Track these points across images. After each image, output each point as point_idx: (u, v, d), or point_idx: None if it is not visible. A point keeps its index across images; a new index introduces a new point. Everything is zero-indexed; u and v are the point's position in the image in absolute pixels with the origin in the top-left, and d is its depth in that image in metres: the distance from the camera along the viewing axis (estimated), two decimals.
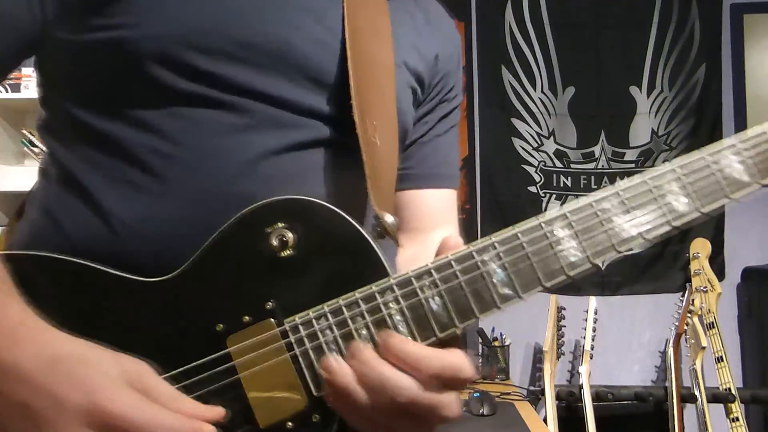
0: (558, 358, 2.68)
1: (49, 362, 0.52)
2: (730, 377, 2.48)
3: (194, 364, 0.59)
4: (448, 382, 0.57)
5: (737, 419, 2.45)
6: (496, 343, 2.67)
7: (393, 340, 0.57)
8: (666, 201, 0.62)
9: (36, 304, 0.56)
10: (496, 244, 0.61)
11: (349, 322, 0.60)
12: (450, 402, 0.58)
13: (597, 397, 2.53)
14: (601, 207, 0.62)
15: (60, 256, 0.62)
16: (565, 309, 2.73)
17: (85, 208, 0.66)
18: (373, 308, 0.60)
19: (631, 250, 0.63)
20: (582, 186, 3.00)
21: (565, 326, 2.72)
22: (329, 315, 0.60)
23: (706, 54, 3.02)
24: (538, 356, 2.95)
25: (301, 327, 0.60)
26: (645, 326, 2.97)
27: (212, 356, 0.60)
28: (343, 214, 0.62)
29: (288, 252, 0.61)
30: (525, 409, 2.10)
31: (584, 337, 2.61)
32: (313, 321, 0.60)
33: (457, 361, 0.57)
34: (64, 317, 0.56)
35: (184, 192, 0.65)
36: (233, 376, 0.59)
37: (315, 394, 0.59)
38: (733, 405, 2.46)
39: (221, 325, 0.60)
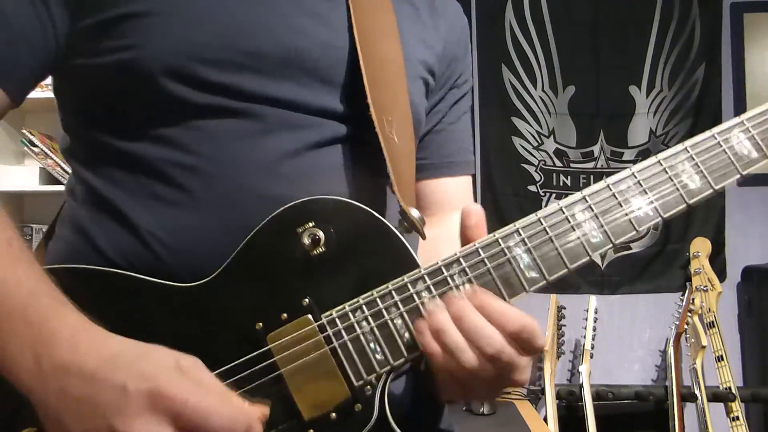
0: (558, 357, 2.68)
1: (110, 359, 0.55)
2: (730, 376, 2.48)
3: (237, 362, 0.62)
4: (525, 344, 0.60)
5: (737, 418, 2.45)
6: None
7: (483, 294, 0.61)
8: (680, 180, 0.65)
9: (85, 313, 0.58)
10: (520, 230, 0.63)
11: (384, 312, 0.62)
12: (524, 365, 0.61)
13: (597, 396, 2.53)
14: (618, 189, 0.65)
15: (101, 268, 0.65)
16: (565, 308, 2.72)
17: (116, 224, 0.69)
18: (407, 298, 0.62)
19: (650, 230, 0.65)
20: (581, 185, 3.00)
21: (565, 325, 2.72)
22: (364, 307, 0.63)
23: (706, 53, 3.02)
24: (538, 355, 2.95)
25: (338, 320, 0.63)
26: (645, 325, 2.97)
27: (254, 354, 0.62)
28: (370, 210, 0.65)
29: (320, 250, 0.63)
30: (525, 409, 2.10)
31: (584, 336, 2.61)
32: (349, 314, 0.63)
33: (534, 325, 0.61)
34: (110, 325, 0.58)
35: (210, 200, 0.68)
36: (275, 372, 0.62)
37: (355, 384, 0.62)
38: (733, 404, 2.46)
39: (260, 324, 0.63)
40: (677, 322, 2.55)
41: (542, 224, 0.64)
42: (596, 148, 3.02)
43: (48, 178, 2.72)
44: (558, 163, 3.03)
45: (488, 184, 3.03)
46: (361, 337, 0.62)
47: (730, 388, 2.47)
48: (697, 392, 2.46)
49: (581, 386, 2.50)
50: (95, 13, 0.67)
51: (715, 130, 0.67)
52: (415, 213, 0.70)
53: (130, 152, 0.70)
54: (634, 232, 0.65)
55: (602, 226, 0.64)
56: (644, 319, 2.97)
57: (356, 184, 0.73)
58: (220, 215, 0.67)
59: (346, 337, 0.62)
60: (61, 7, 0.67)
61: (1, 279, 0.57)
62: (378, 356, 0.62)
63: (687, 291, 2.60)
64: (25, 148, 2.73)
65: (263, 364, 0.62)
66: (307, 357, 0.62)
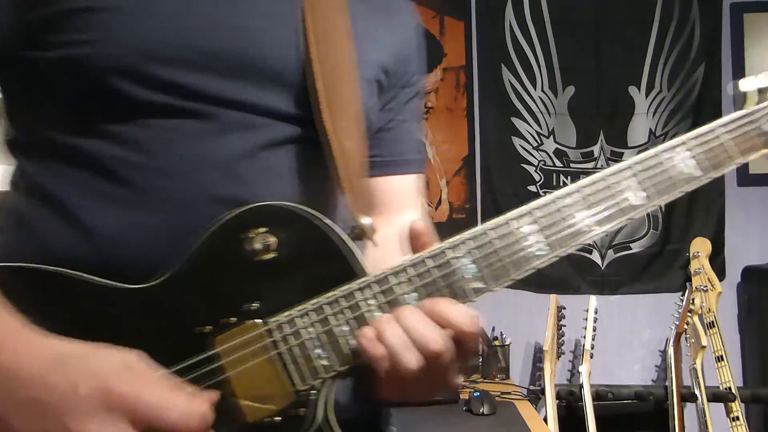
0: (558, 357, 2.68)
1: (56, 361, 0.55)
2: (730, 376, 2.48)
3: (184, 364, 0.62)
4: (466, 347, 0.63)
5: (737, 418, 2.45)
6: (496, 343, 2.67)
7: (428, 299, 0.63)
8: (624, 196, 0.68)
9: (24, 314, 0.58)
10: (467, 241, 0.65)
11: (331, 319, 0.63)
12: (461, 367, 0.64)
13: (597, 396, 2.53)
14: (564, 203, 0.67)
15: (44, 267, 0.63)
16: (565, 308, 2.72)
17: (61, 220, 0.67)
18: (353, 305, 0.64)
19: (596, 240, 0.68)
20: None
21: (565, 325, 2.72)
22: (311, 313, 0.63)
23: (706, 53, 3.02)
24: (538, 355, 2.95)
25: (285, 325, 0.63)
26: (645, 325, 2.97)
27: (201, 357, 0.62)
28: (322, 217, 0.65)
29: (270, 255, 0.63)
30: (525, 409, 2.10)
31: (584, 337, 2.61)
32: (296, 319, 0.63)
33: (476, 327, 0.64)
34: (52, 326, 0.58)
35: (161, 200, 0.67)
36: (222, 375, 0.62)
37: (300, 388, 0.63)
38: (733, 404, 2.46)
39: (209, 327, 0.63)
40: (677, 322, 2.55)
41: (489, 236, 0.65)
42: (596, 149, 3.02)
43: None
44: (558, 163, 3.03)
45: (488, 184, 3.03)
46: (307, 343, 0.63)
47: (730, 388, 2.47)
48: (697, 392, 2.46)
49: (581, 386, 2.50)
50: (45, 4, 0.65)
51: (660, 148, 0.70)
52: (366, 221, 0.71)
53: (79, 148, 0.68)
54: (577, 245, 0.67)
55: (547, 239, 0.66)
56: (644, 319, 2.97)
57: (309, 186, 0.73)
58: (171, 215, 0.67)
59: (292, 343, 0.63)
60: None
61: None
62: (323, 362, 0.63)
63: (687, 291, 2.60)
64: None
65: (210, 367, 0.62)
66: (254, 361, 0.63)
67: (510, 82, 3.04)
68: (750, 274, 2.92)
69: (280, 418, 0.62)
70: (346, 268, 0.65)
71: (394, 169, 0.91)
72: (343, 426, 0.65)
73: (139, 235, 0.66)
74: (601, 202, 0.67)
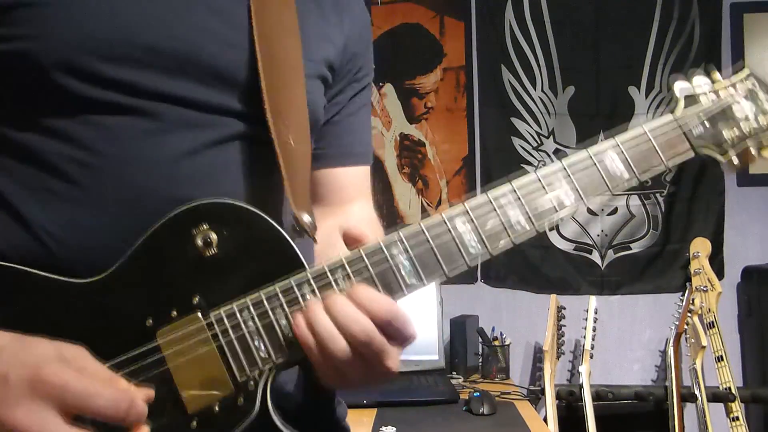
0: (558, 357, 2.68)
1: None
2: (730, 376, 2.48)
3: (125, 357, 0.64)
4: (395, 332, 0.64)
5: (737, 418, 2.45)
6: (496, 343, 2.67)
7: (356, 286, 0.65)
8: (555, 194, 0.71)
9: None
10: (403, 239, 0.68)
11: (270, 312, 0.66)
12: (395, 354, 0.65)
13: (597, 396, 2.53)
14: (498, 203, 0.70)
15: None
16: (565, 308, 2.73)
17: (5, 215, 0.68)
18: (292, 300, 0.66)
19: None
20: None
21: (565, 326, 2.72)
22: (252, 307, 0.66)
23: (706, 54, 3.02)
24: (538, 356, 2.95)
25: (225, 319, 0.65)
26: (645, 325, 2.97)
27: (143, 349, 0.64)
28: (263, 215, 0.67)
29: (212, 251, 0.66)
30: (525, 409, 2.10)
31: (584, 337, 2.61)
32: (237, 313, 0.66)
33: (404, 314, 0.64)
34: (4, 319, 0.60)
35: (105, 198, 0.68)
36: (163, 367, 0.64)
37: (239, 379, 0.65)
38: (733, 404, 2.46)
39: (150, 320, 0.65)
40: (677, 323, 2.55)
41: (424, 234, 0.68)
42: None
43: None
44: None
45: (488, 184, 3.02)
46: (247, 336, 0.65)
47: (729, 388, 2.47)
48: (697, 392, 2.46)
49: (581, 386, 2.50)
50: None
51: (592, 150, 0.74)
52: (306, 218, 0.73)
53: (23, 144, 0.68)
54: (511, 244, 0.70)
55: (480, 237, 0.69)
56: (644, 320, 2.97)
57: (254, 183, 0.74)
58: (115, 213, 0.68)
59: (232, 335, 0.65)
60: None
61: None
62: (262, 354, 0.65)
63: (687, 291, 2.60)
64: None
65: (152, 359, 0.64)
66: (194, 353, 0.65)
67: (510, 82, 3.04)
68: (750, 274, 2.92)
69: (218, 408, 0.64)
70: (286, 264, 0.67)
71: (340, 161, 0.92)
72: (292, 416, 0.67)
73: (83, 232, 0.67)
74: (533, 201, 0.71)
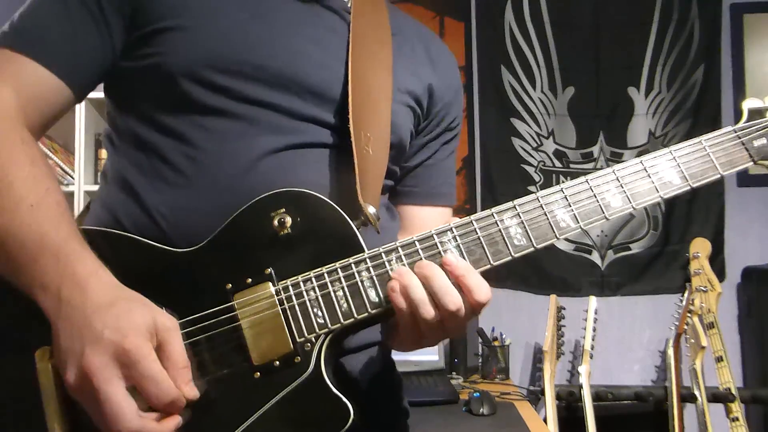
0: (558, 357, 2.68)
1: (104, 307, 0.70)
2: (730, 377, 2.48)
3: (207, 311, 0.78)
4: (478, 307, 0.75)
5: (737, 419, 2.45)
6: (496, 343, 2.67)
7: (457, 262, 0.75)
8: (603, 198, 0.80)
9: (103, 262, 0.75)
10: (453, 229, 0.78)
11: (329, 285, 0.78)
12: (469, 321, 0.78)
13: (597, 396, 2.53)
14: (546, 201, 0.79)
15: (118, 232, 0.83)
16: (565, 309, 2.73)
17: (132, 202, 0.85)
18: (349, 275, 0.78)
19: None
20: None
21: (565, 326, 2.72)
22: (314, 279, 0.78)
23: (705, 54, 3.02)
24: (538, 356, 2.95)
25: (291, 287, 0.78)
26: (645, 326, 2.97)
27: (221, 307, 0.78)
28: (331, 202, 0.80)
29: (286, 231, 0.78)
30: (525, 409, 2.10)
31: (584, 337, 2.61)
32: (301, 283, 0.78)
33: (488, 292, 0.76)
34: (120, 274, 0.75)
35: (204, 186, 0.84)
36: (235, 323, 0.77)
37: (298, 340, 0.76)
38: (733, 405, 2.46)
39: (229, 285, 0.78)
40: (677, 323, 2.55)
41: (473, 225, 0.78)
42: (596, 149, 3.02)
43: None
44: (557, 163, 3.04)
45: (488, 184, 3.03)
46: (307, 303, 0.77)
47: (729, 388, 2.47)
48: (696, 393, 2.46)
49: (581, 387, 2.50)
50: (140, 28, 0.85)
51: (645, 158, 0.81)
52: (371, 209, 0.84)
53: (146, 139, 0.86)
54: (555, 239, 0.78)
55: (526, 231, 0.78)
56: (644, 320, 2.97)
57: (328, 179, 0.87)
58: (211, 199, 0.83)
59: (295, 302, 0.77)
60: (119, 26, 0.85)
61: (47, 227, 0.73)
62: (319, 320, 0.77)
63: (687, 292, 2.60)
64: None
65: (227, 315, 0.77)
66: (262, 314, 0.77)
67: (510, 83, 3.04)
68: (750, 274, 2.92)
69: (278, 363, 0.76)
70: (348, 246, 0.79)
71: (428, 200, 1.06)
72: (358, 397, 0.76)
73: (185, 213, 0.83)
74: (580, 202, 0.79)
